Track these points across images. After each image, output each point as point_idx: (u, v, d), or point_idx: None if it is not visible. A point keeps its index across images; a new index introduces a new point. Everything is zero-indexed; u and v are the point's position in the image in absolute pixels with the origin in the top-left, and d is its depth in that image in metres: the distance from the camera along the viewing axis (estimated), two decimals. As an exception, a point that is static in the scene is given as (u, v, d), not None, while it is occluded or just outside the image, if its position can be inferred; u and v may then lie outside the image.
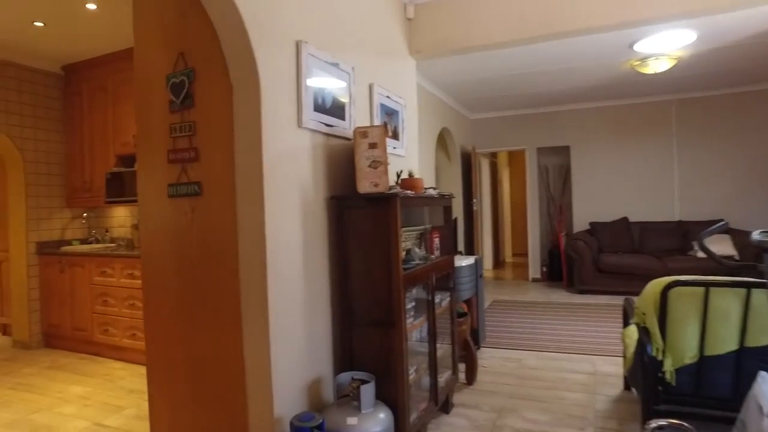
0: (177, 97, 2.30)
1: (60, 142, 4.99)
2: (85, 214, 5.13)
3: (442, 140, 6.99)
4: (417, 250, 2.94)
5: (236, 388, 2.24)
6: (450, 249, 3.25)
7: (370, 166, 2.42)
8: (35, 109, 4.80)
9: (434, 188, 3.05)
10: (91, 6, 3.66)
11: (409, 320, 2.54)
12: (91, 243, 5.14)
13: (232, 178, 2.22)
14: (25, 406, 3.39)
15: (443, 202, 3.16)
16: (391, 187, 2.58)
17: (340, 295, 2.57)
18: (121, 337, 4.21)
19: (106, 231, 5.14)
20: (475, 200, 7.33)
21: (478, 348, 4.16)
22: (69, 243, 5.03)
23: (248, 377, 2.22)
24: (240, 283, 2.22)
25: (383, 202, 2.40)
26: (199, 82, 2.28)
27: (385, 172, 2.45)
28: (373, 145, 2.46)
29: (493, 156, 9.56)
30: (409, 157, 3.66)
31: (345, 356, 2.54)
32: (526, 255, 9.13)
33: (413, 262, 2.75)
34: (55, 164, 4.95)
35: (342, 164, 2.73)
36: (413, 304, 2.65)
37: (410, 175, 2.80)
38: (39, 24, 3.99)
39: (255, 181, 2.16)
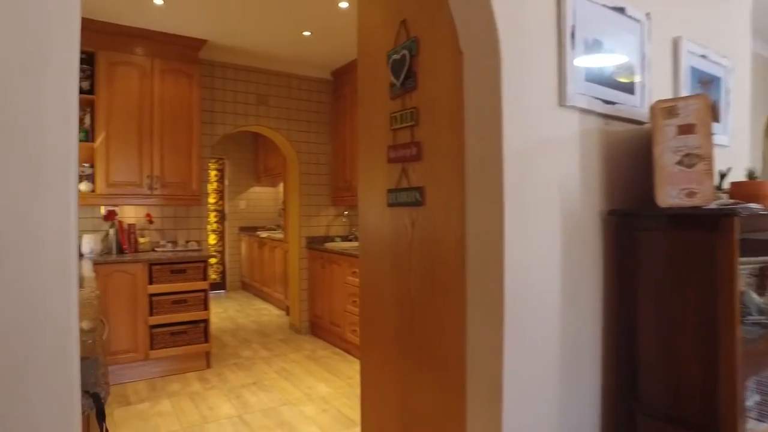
0: (397, 77, 1.77)
1: (327, 143, 5.23)
2: (346, 212, 5.29)
3: (772, 123, 4.96)
4: (754, 296, 1.78)
5: (456, 470, 1.60)
6: (816, 296, 1.92)
7: (680, 163, 1.44)
8: (309, 114, 5.12)
9: (792, 196, 1.80)
10: (344, 4, 3.52)
11: (749, 426, 1.46)
12: (350, 240, 5.26)
13: (461, 182, 1.57)
14: (280, 395, 3.48)
15: (808, 219, 1.87)
16: (716, 197, 1.53)
17: (619, 364, 1.66)
18: (366, 339, 4.08)
19: (363, 229, 5.18)
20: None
21: None
22: (332, 239, 5.25)
23: (472, 460, 1.55)
24: (467, 327, 1.57)
25: (706, 222, 1.39)
26: (423, 56, 1.70)
27: (709, 173, 1.43)
28: (686, 129, 1.46)
29: None
30: (736, 148, 2.37)
31: (621, 457, 1.63)
32: None
33: (750, 318, 1.63)
34: (323, 164, 5.21)
35: (628, 160, 1.79)
36: (756, 398, 1.54)
37: (751, 176, 1.66)
38: (307, 33, 4.11)
39: (491, 186, 1.46)
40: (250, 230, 7.47)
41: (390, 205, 1.89)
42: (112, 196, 3.80)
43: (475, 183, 1.52)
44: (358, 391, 3.53)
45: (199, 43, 4.12)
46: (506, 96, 1.45)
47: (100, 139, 3.75)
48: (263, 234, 6.69)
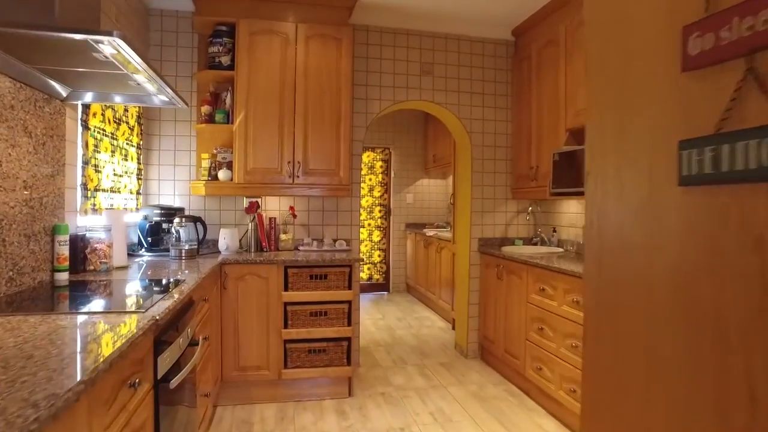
0: None
1: (505, 121, 4.04)
2: (530, 208, 4.04)
3: None
4: None
5: None
6: None
7: None
8: (483, 84, 3.99)
9: None
10: None
11: None
12: (535, 244, 4.00)
13: None
14: (437, 451, 2.48)
15: None
16: None
17: None
18: (556, 386, 2.83)
19: (554, 231, 3.87)
20: None
21: None
22: (511, 242, 4.05)
23: None
24: None
25: None
26: None
27: None
28: None
29: None
30: None
31: None
32: None
33: None
34: (501, 147, 4.04)
35: None
36: None
37: None
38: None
39: None
40: (416, 227, 6.65)
41: (690, 180, 0.70)
42: (249, 185, 3.23)
43: None
44: (547, 474, 2.34)
45: (349, 1, 3.33)
46: None
47: (238, 120, 3.21)
48: (430, 232, 5.79)
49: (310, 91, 3.29)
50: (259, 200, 3.49)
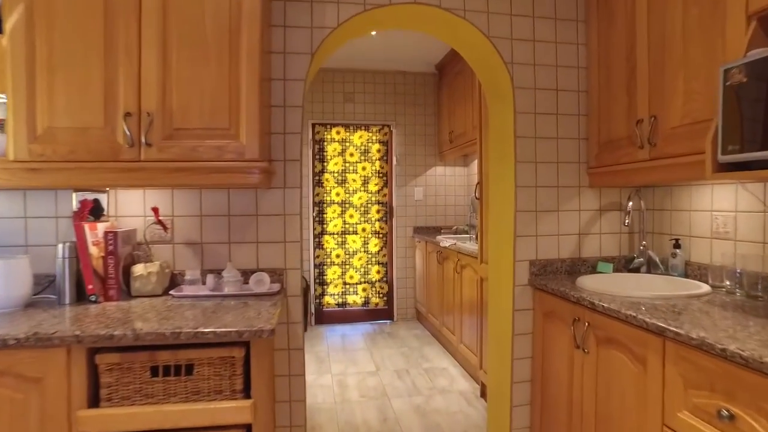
0: None
1: (576, 44, 2.21)
2: (630, 203, 2.19)
3: None
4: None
5: None
6: None
7: None
8: (534, -24, 2.17)
9: None
10: None
11: None
12: (636, 269, 2.16)
13: None
14: None
15: None
16: None
17: None
18: None
19: (675, 245, 2.03)
20: None
21: None
22: (592, 266, 2.23)
23: None
24: None
25: None
26: None
27: None
28: None
29: None
30: None
31: None
32: None
33: None
34: (568, 92, 2.22)
35: None
36: None
37: None
38: None
39: None
40: (428, 233, 4.86)
41: None
42: (43, 165, 1.50)
43: None
44: None
45: None
46: None
47: (11, 24, 1.48)
48: (446, 241, 3.98)
49: (177, -33, 1.54)
50: (100, 197, 1.76)
